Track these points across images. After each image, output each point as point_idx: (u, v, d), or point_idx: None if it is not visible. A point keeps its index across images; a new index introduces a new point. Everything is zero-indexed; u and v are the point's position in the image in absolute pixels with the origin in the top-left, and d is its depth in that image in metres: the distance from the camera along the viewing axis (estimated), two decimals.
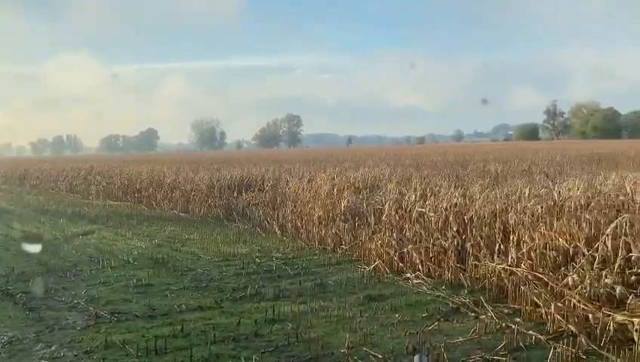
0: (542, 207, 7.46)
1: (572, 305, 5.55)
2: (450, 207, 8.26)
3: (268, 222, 12.29)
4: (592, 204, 7.41)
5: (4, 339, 5.55)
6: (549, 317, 5.59)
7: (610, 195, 7.94)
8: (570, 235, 6.48)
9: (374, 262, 8.29)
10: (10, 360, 5.08)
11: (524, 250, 6.72)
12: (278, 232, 11.63)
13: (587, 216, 6.66)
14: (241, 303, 6.74)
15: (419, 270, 7.74)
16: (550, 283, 6.02)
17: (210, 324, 5.90)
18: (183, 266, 8.76)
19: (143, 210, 17.06)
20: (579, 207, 7.34)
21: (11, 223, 14.30)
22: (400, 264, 8.10)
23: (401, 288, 7.28)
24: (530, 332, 5.39)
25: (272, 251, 9.90)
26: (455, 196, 8.75)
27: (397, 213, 9.05)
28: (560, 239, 6.51)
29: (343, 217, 10.40)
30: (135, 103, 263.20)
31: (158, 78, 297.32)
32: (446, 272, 7.57)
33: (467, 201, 8.48)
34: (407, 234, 8.35)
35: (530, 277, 6.30)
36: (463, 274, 7.36)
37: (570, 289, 5.71)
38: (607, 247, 5.90)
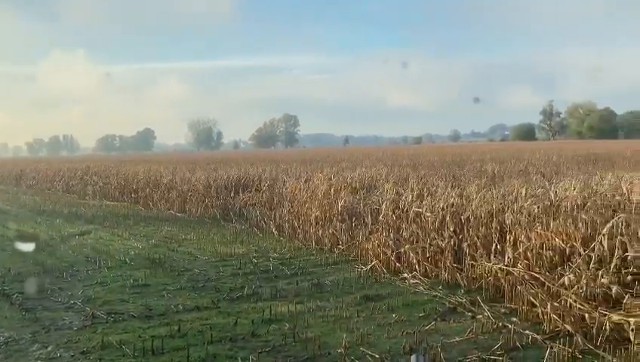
0: (538, 207, 7.48)
1: (568, 304, 5.56)
2: (447, 207, 8.27)
3: (265, 222, 12.29)
4: (589, 204, 7.44)
5: (0, 340, 5.53)
6: (545, 316, 5.60)
7: (606, 195, 7.98)
8: (566, 235, 6.50)
9: (371, 262, 8.29)
10: (6, 360, 5.07)
11: (521, 250, 6.74)
12: (275, 232, 11.63)
13: (583, 216, 6.68)
14: (238, 303, 6.73)
15: (416, 270, 7.75)
16: (547, 282, 6.03)
17: (207, 324, 5.89)
18: (180, 266, 8.75)
19: (140, 210, 17.04)
20: (575, 207, 7.37)
21: (7, 223, 14.26)
22: (397, 264, 8.11)
23: (398, 288, 7.28)
24: (527, 331, 5.40)
25: (269, 251, 9.89)
26: (452, 196, 8.76)
27: (394, 213, 9.05)
28: (556, 239, 6.53)
29: (340, 217, 10.40)
30: (132, 103, 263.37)
31: (155, 78, 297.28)
32: (443, 272, 7.58)
33: (464, 201, 8.49)
34: (404, 234, 8.36)
35: (526, 276, 6.31)
36: (460, 274, 7.37)
37: (566, 288, 5.73)
38: (604, 247, 5.92)
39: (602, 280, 5.56)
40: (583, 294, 5.57)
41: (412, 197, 9.36)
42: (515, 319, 5.82)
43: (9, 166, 40.87)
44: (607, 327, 5.11)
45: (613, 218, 6.17)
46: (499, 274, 6.76)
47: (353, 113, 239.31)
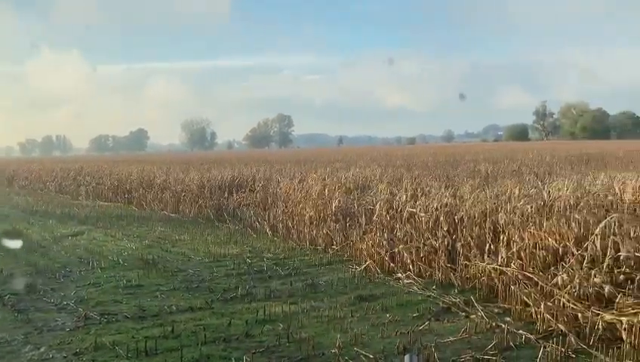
0: (531, 207, 7.50)
1: (561, 304, 5.58)
2: (440, 207, 8.29)
3: (259, 222, 12.27)
4: (581, 203, 7.48)
5: None
6: (538, 316, 5.62)
7: (599, 195, 8.02)
8: (559, 235, 6.53)
9: (365, 262, 8.29)
10: None
11: (514, 250, 6.75)
12: (269, 233, 11.61)
13: (576, 216, 6.71)
14: (231, 304, 6.72)
15: (409, 270, 7.76)
16: (540, 282, 6.05)
17: (200, 325, 5.88)
18: (174, 267, 8.72)
19: (133, 211, 16.97)
20: (568, 207, 7.40)
21: None
22: (391, 264, 8.12)
23: (392, 288, 7.29)
24: (520, 331, 5.42)
25: (263, 251, 9.88)
26: (445, 196, 8.79)
27: (388, 213, 9.06)
28: (549, 239, 6.55)
29: (334, 217, 10.40)
30: (125, 103, 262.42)
31: (148, 79, 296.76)
32: (437, 272, 7.59)
33: (457, 201, 8.51)
34: (398, 234, 8.37)
35: (520, 276, 6.33)
36: (454, 274, 7.38)
37: (559, 288, 5.75)
38: (596, 247, 5.95)
39: (595, 279, 5.58)
40: (575, 294, 5.59)
41: (406, 197, 9.38)
42: (508, 319, 5.84)
43: (1, 166, 40.57)
44: (600, 326, 5.14)
45: (605, 218, 6.20)
46: (492, 274, 6.78)
47: (347, 114, 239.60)
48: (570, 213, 7.00)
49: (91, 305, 6.68)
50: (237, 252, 9.88)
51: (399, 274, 7.72)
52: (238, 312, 6.35)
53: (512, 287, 6.23)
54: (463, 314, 6.12)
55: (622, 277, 5.60)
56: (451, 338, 5.35)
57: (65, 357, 5.10)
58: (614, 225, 6.06)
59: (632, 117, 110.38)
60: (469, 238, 7.53)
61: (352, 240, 9.33)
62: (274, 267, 8.59)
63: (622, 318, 5.06)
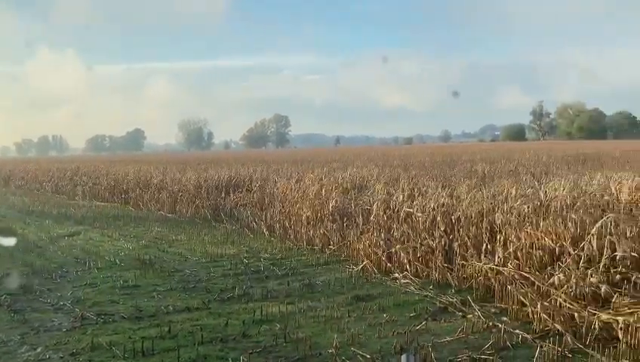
0: (528, 207, 7.53)
1: (558, 304, 5.59)
2: (437, 207, 8.31)
3: (256, 222, 12.26)
4: (578, 203, 7.50)
5: None
6: (535, 316, 5.63)
7: (595, 195, 8.05)
8: (556, 235, 6.54)
9: (362, 262, 8.30)
10: None
11: (511, 250, 6.77)
12: (266, 233, 11.61)
13: (573, 216, 6.73)
14: (228, 304, 6.71)
15: (406, 270, 7.76)
16: (536, 282, 6.06)
17: (197, 325, 5.87)
18: (171, 267, 8.71)
19: (130, 211, 16.94)
20: (565, 207, 7.42)
21: None
22: (388, 264, 8.12)
23: (389, 288, 7.29)
24: (517, 331, 5.42)
25: (260, 252, 9.87)
26: (442, 196, 8.81)
27: (385, 213, 9.07)
28: (546, 239, 6.56)
29: (331, 217, 10.41)
30: (122, 103, 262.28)
31: (145, 78, 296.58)
32: (433, 272, 7.59)
33: (454, 201, 8.54)
34: (395, 234, 8.37)
35: (516, 276, 6.34)
36: (451, 274, 7.39)
37: (556, 288, 5.76)
38: (593, 247, 5.97)
39: (591, 279, 5.59)
40: (572, 293, 5.60)
41: (403, 197, 9.40)
42: (505, 318, 5.85)
43: None
44: (597, 326, 5.15)
45: (602, 218, 6.22)
46: (489, 274, 6.78)
47: (344, 114, 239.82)
48: (567, 212, 7.03)
49: (88, 306, 6.66)
50: (234, 252, 9.87)
51: (396, 274, 7.73)
52: (235, 312, 6.35)
53: (509, 287, 6.24)
54: (460, 313, 6.12)
55: (618, 276, 5.62)
56: (448, 338, 5.36)
57: (61, 357, 5.09)
58: (611, 224, 6.08)
59: (628, 117, 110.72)
60: (466, 238, 7.54)
61: (349, 240, 9.32)
62: (271, 267, 8.58)
63: (618, 318, 5.07)
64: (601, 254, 5.84)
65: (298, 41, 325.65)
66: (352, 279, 7.79)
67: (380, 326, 5.75)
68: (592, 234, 6.01)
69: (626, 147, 38.09)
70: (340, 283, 7.59)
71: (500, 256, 6.80)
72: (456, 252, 7.52)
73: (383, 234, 8.52)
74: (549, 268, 6.23)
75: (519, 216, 7.36)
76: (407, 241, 8.11)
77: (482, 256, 7.10)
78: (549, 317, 5.51)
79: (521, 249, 6.69)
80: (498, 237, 7.10)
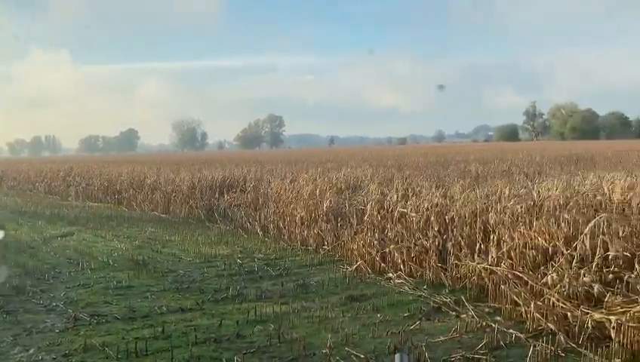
0: (521, 207, 7.54)
1: (551, 303, 5.61)
2: (431, 207, 8.31)
3: (250, 222, 12.24)
4: (571, 203, 7.52)
5: None
6: (528, 315, 5.65)
7: (588, 195, 8.07)
8: (549, 235, 6.57)
9: (356, 262, 8.30)
10: None
11: (504, 250, 6.79)
12: (260, 233, 11.59)
13: (566, 216, 6.75)
14: (222, 304, 6.70)
15: (400, 270, 7.77)
16: (530, 282, 6.08)
17: (191, 326, 5.86)
18: (164, 268, 8.69)
19: (124, 212, 16.88)
20: (558, 207, 7.44)
21: None
22: (382, 264, 8.13)
23: (383, 288, 7.30)
24: (511, 330, 5.44)
25: (254, 252, 9.86)
26: (436, 196, 8.81)
27: (379, 213, 9.08)
28: (539, 238, 6.59)
29: (325, 218, 10.40)
30: (115, 104, 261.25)
31: (139, 79, 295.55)
32: (427, 272, 7.61)
33: (448, 201, 8.54)
34: (389, 234, 8.38)
35: (510, 276, 6.36)
36: (444, 274, 7.40)
37: (549, 287, 5.78)
38: (586, 246, 5.99)
39: (584, 278, 5.62)
40: (565, 293, 5.62)
41: (397, 197, 9.40)
42: (498, 318, 5.86)
43: None
44: (589, 325, 5.17)
45: (594, 217, 6.24)
46: (483, 274, 6.80)
47: (338, 114, 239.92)
48: (560, 212, 7.05)
49: (81, 306, 6.64)
50: (228, 252, 9.86)
51: (390, 274, 7.74)
52: (229, 313, 6.34)
53: (502, 287, 6.26)
54: (454, 313, 6.14)
55: (611, 276, 5.65)
56: (442, 338, 5.37)
57: (54, 358, 5.06)
58: (603, 224, 6.10)
59: (620, 117, 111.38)
60: (460, 238, 7.56)
61: (343, 241, 9.33)
62: (265, 267, 8.57)
63: (611, 317, 5.10)
64: (594, 254, 5.86)
65: (293, 42, 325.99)
66: (346, 279, 7.79)
67: (373, 326, 5.76)
68: (585, 234, 6.04)
69: (619, 147, 38.29)
70: (334, 283, 7.59)
71: (494, 256, 6.82)
72: (449, 252, 7.54)
73: (377, 235, 8.53)
74: (542, 267, 6.25)
75: (512, 215, 7.37)
76: (401, 241, 8.12)
77: (476, 256, 7.11)
78: (542, 316, 5.54)
79: (515, 249, 6.70)
80: (491, 237, 7.11)
